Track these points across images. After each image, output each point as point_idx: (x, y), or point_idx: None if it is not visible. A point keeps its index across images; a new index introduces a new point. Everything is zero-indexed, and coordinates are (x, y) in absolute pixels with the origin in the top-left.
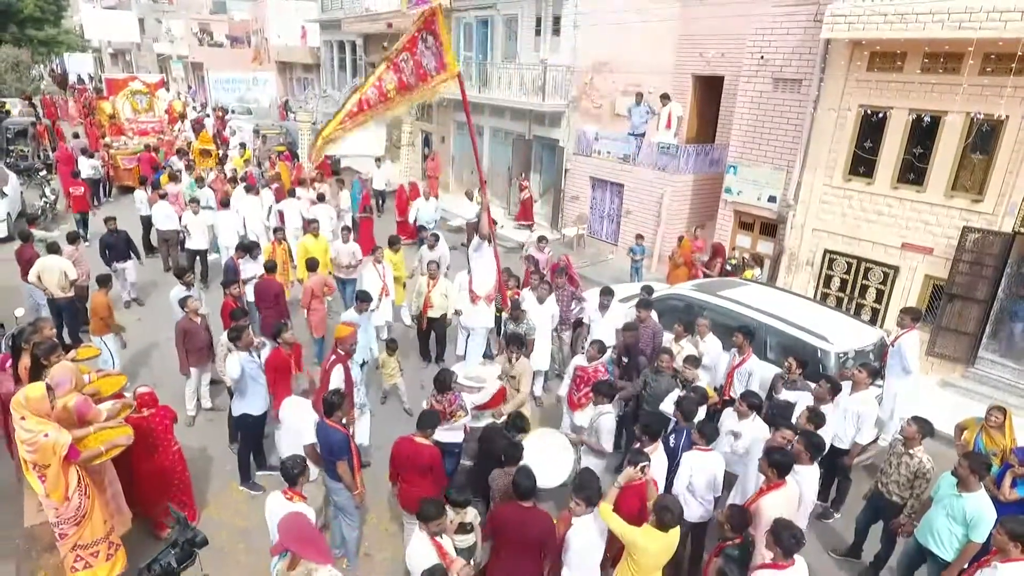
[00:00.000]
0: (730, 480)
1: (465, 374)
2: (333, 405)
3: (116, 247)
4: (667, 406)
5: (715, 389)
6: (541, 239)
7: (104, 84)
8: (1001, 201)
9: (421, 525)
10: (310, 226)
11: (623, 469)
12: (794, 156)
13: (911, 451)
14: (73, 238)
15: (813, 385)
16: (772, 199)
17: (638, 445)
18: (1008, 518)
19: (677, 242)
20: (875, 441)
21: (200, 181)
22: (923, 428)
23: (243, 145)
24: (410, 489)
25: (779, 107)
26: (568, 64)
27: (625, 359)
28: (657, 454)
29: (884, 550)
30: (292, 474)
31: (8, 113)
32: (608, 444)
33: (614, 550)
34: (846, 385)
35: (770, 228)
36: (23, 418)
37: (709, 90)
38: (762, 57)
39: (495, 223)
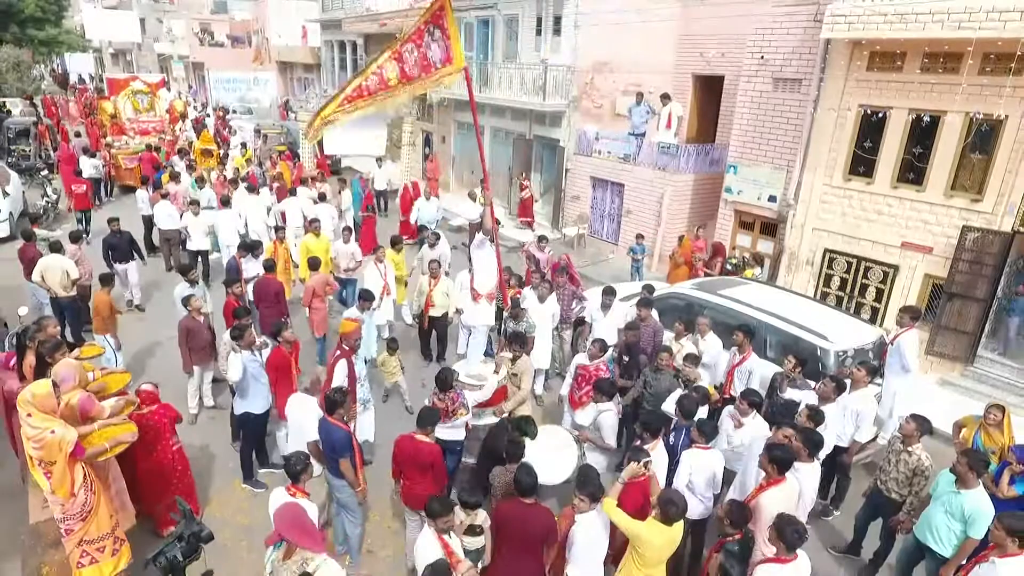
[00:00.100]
0: (729, 477)
1: (466, 372)
2: (335, 403)
3: (119, 248)
4: (669, 406)
5: (715, 387)
6: (542, 238)
7: (105, 84)
8: (1000, 200)
9: (429, 522)
10: (312, 225)
11: (624, 467)
12: (794, 156)
13: (910, 448)
14: (76, 237)
15: (814, 384)
16: (772, 199)
17: (638, 442)
18: (1005, 514)
19: (677, 241)
20: (874, 439)
21: (201, 181)
22: (921, 426)
23: (244, 145)
24: (412, 487)
25: (779, 107)
26: (569, 64)
27: (626, 358)
28: (657, 451)
29: (883, 547)
30: (295, 471)
31: (9, 113)
32: (611, 440)
33: (615, 547)
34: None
35: (770, 227)
36: (29, 415)
37: (709, 90)
38: (762, 57)
39: (498, 223)
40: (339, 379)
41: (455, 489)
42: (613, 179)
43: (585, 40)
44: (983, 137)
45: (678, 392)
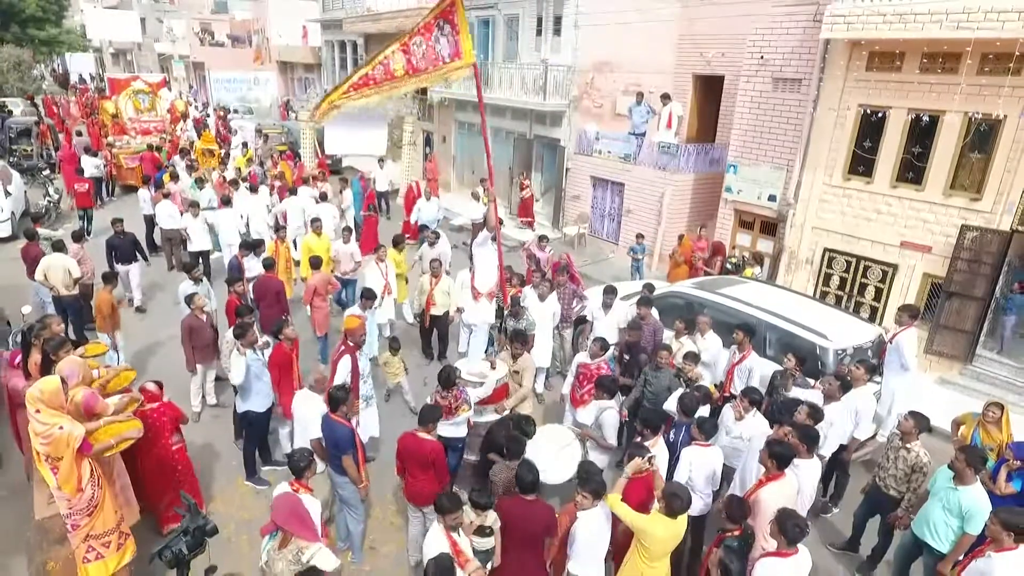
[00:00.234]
0: (728, 474)
1: (467, 370)
2: (337, 400)
3: (121, 248)
4: (671, 405)
5: (715, 386)
6: (542, 238)
7: (107, 83)
8: (999, 200)
9: (438, 518)
10: (313, 224)
11: (624, 464)
12: (794, 155)
13: (908, 445)
14: (78, 236)
15: (813, 382)
16: (772, 198)
17: (639, 439)
18: (1001, 509)
19: (677, 241)
20: (873, 437)
21: (200, 182)
22: (920, 423)
23: (245, 144)
24: (414, 483)
25: (779, 107)
26: (569, 64)
27: (627, 356)
28: (658, 447)
29: (881, 543)
30: (299, 467)
31: (10, 113)
32: (612, 438)
33: (615, 543)
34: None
35: (770, 227)
36: (38, 411)
37: (709, 90)
38: (762, 57)
39: (500, 221)
40: (343, 375)
41: (457, 487)
42: (613, 179)
43: (585, 40)
44: (982, 137)
45: (680, 391)
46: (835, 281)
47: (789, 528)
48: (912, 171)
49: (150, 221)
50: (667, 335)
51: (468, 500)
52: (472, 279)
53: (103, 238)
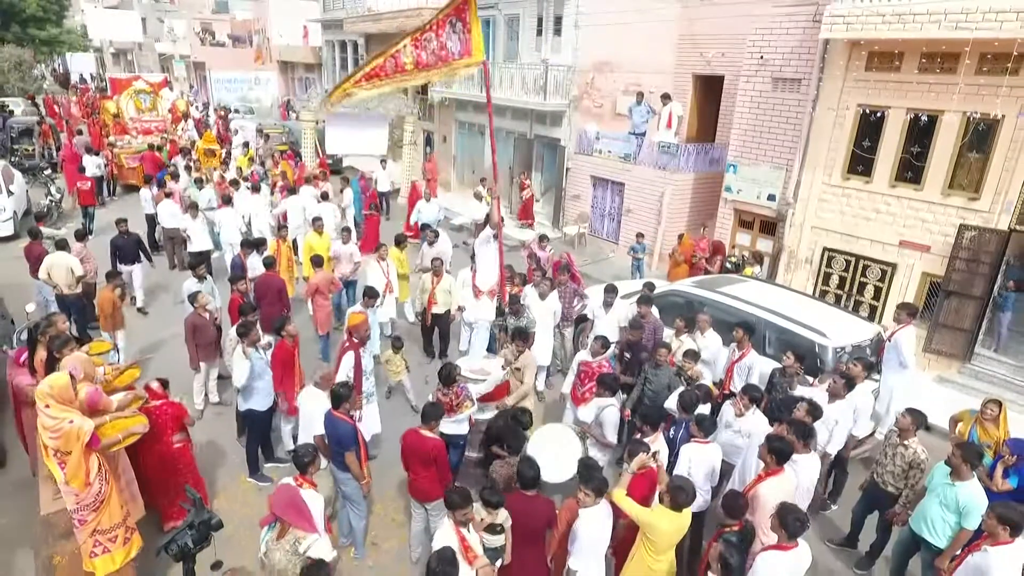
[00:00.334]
0: (728, 471)
1: (468, 367)
2: (340, 397)
3: (125, 249)
4: (671, 404)
5: (715, 383)
6: (543, 237)
7: (108, 83)
8: (997, 199)
9: (448, 513)
10: (315, 224)
11: (624, 460)
12: (793, 155)
13: (906, 442)
14: (81, 235)
15: (812, 379)
16: (771, 197)
17: (639, 435)
18: (997, 503)
19: (677, 240)
20: (872, 434)
21: (200, 182)
22: (917, 420)
23: (246, 144)
24: (417, 480)
25: (778, 106)
26: (569, 64)
27: (627, 355)
28: (658, 444)
29: (879, 539)
30: (303, 462)
31: (12, 113)
32: (612, 436)
33: (616, 538)
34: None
35: (769, 226)
36: (48, 406)
37: (709, 90)
38: (762, 57)
39: (502, 220)
40: (346, 370)
41: (459, 483)
42: (613, 178)
43: (586, 40)
44: (980, 136)
45: (680, 389)
46: (834, 280)
47: (790, 522)
48: (911, 171)
49: (151, 220)
50: (667, 333)
51: (480, 498)
52: (473, 277)
53: (104, 237)
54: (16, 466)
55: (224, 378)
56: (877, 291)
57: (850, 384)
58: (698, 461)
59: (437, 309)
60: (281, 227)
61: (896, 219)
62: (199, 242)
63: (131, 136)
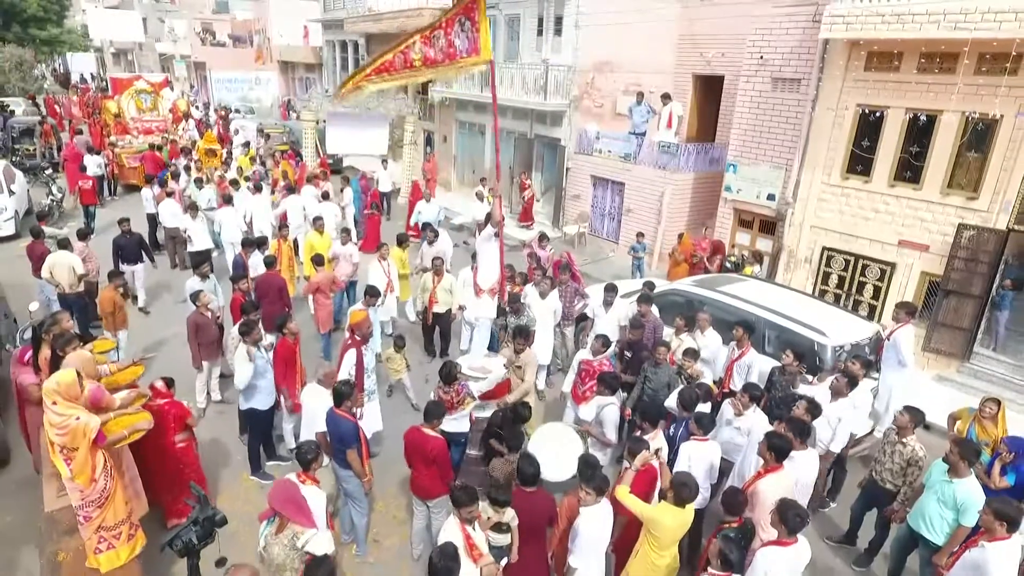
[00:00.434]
0: (727, 469)
1: (468, 364)
2: (342, 395)
3: (127, 248)
4: (671, 402)
5: (715, 382)
6: (543, 236)
7: (109, 83)
8: (995, 199)
9: (454, 511)
10: (316, 223)
11: (624, 458)
12: (793, 155)
13: (904, 440)
14: (83, 234)
15: (812, 378)
16: (771, 197)
17: (639, 432)
18: (994, 499)
19: (677, 239)
20: (871, 433)
21: (199, 182)
22: (915, 417)
23: (247, 144)
24: (419, 477)
25: (778, 106)
26: (570, 64)
27: (628, 354)
28: (657, 441)
29: (878, 536)
30: (306, 459)
31: (12, 113)
32: (612, 435)
33: (614, 537)
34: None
35: (769, 226)
36: (55, 402)
37: (709, 89)
38: (761, 57)
39: (503, 219)
40: (348, 368)
41: (460, 480)
42: (614, 178)
43: (586, 40)
44: (979, 136)
45: (680, 387)
46: (834, 279)
47: (790, 518)
48: (910, 170)
49: (153, 220)
50: (667, 332)
51: (487, 497)
52: (475, 275)
53: (105, 236)
54: (19, 464)
55: (226, 376)
56: (876, 290)
57: (853, 382)
58: (697, 459)
59: (438, 308)
60: (282, 226)
61: (895, 219)
62: (199, 242)
63: (132, 136)
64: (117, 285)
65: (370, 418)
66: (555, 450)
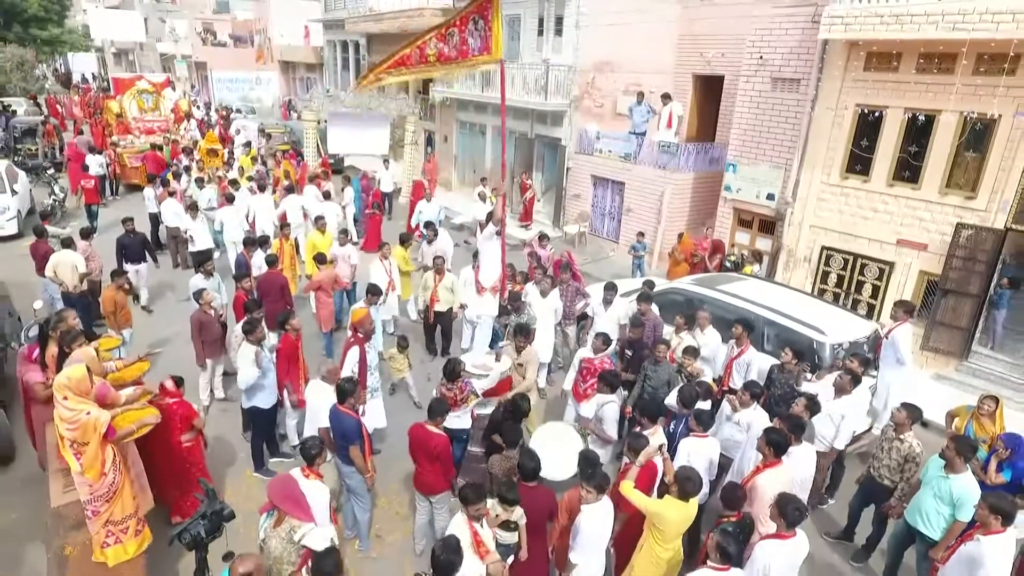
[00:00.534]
0: (727, 466)
1: (471, 362)
2: (345, 392)
3: (131, 248)
4: (671, 400)
5: (714, 380)
6: (543, 236)
7: (110, 83)
8: (993, 198)
9: (461, 508)
10: (317, 223)
11: (624, 454)
12: (792, 154)
13: (901, 436)
14: (87, 233)
15: (811, 375)
16: (771, 197)
17: (638, 429)
18: (989, 493)
19: (677, 239)
20: (869, 430)
21: (200, 182)
22: (912, 414)
23: (248, 144)
24: (422, 473)
25: (778, 106)
26: (570, 64)
27: (629, 352)
28: (657, 437)
29: (875, 532)
30: (311, 454)
31: (14, 113)
32: (612, 432)
33: (615, 533)
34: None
35: (768, 225)
36: (66, 397)
37: (709, 89)
38: (761, 57)
39: (505, 217)
40: (351, 366)
41: (461, 477)
42: (614, 178)
43: (586, 40)
44: (977, 136)
45: (680, 385)
46: (833, 279)
47: (789, 511)
48: (908, 170)
49: (155, 219)
50: (667, 331)
51: (496, 495)
52: (477, 273)
53: (107, 235)
54: (25, 461)
55: (229, 374)
56: (875, 289)
57: (855, 380)
58: (696, 454)
59: (439, 307)
60: (284, 225)
61: (894, 218)
62: (201, 241)
63: (134, 136)
64: (119, 284)
65: (373, 415)
66: (556, 449)
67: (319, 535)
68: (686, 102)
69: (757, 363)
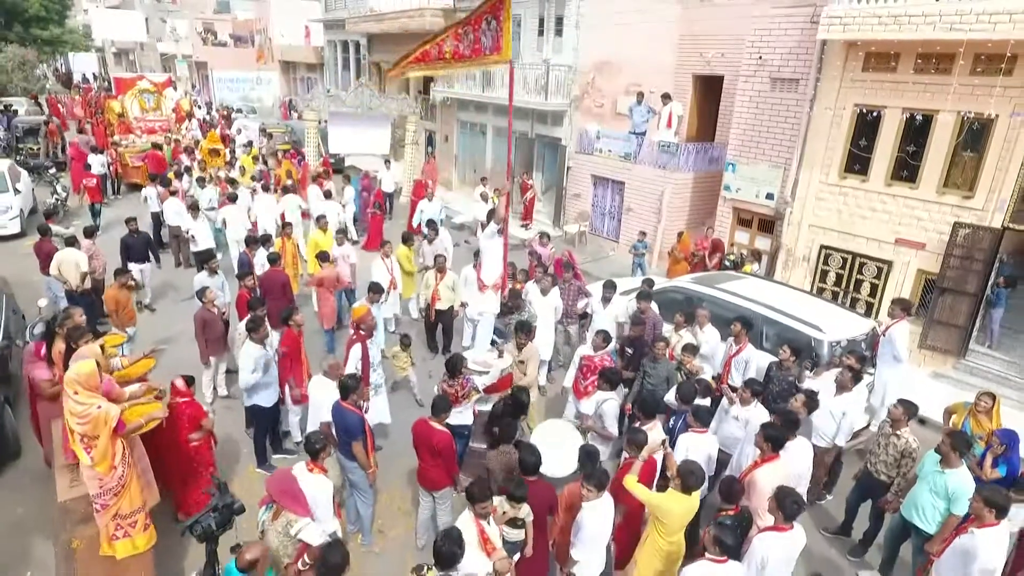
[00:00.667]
0: (726, 462)
1: (473, 359)
2: (348, 388)
3: (135, 248)
4: (670, 398)
5: (713, 377)
6: (543, 235)
7: (112, 83)
8: (991, 198)
9: (468, 505)
10: (319, 222)
11: (624, 450)
12: (791, 154)
13: (898, 432)
14: (90, 232)
15: (809, 373)
16: (770, 196)
17: (637, 424)
18: (983, 487)
19: (677, 238)
20: (867, 427)
21: (201, 182)
22: (909, 410)
23: (250, 143)
24: (426, 469)
25: (777, 106)
26: (570, 64)
27: (629, 350)
28: (655, 432)
29: (872, 527)
30: (315, 449)
31: (16, 113)
32: (613, 428)
33: (615, 526)
34: (835, 372)
35: (768, 224)
36: (76, 392)
37: (709, 89)
38: (760, 57)
39: (507, 217)
40: (354, 362)
41: (463, 473)
42: (614, 177)
43: (587, 40)
44: (974, 136)
45: (679, 382)
46: (831, 277)
47: (788, 504)
48: (906, 169)
49: (157, 219)
50: (667, 329)
51: (504, 492)
52: (478, 271)
53: (110, 234)
54: (31, 458)
55: (232, 372)
56: (873, 288)
57: (857, 377)
58: (695, 450)
59: (441, 305)
60: (286, 224)
61: (892, 217)
62: (203, 241)
63: (135, 135)
64: (123, 283)
65: (378, 411)
66: (556, 445)
67: (314, 530)
68: (686, 102)
69: (755, 360)
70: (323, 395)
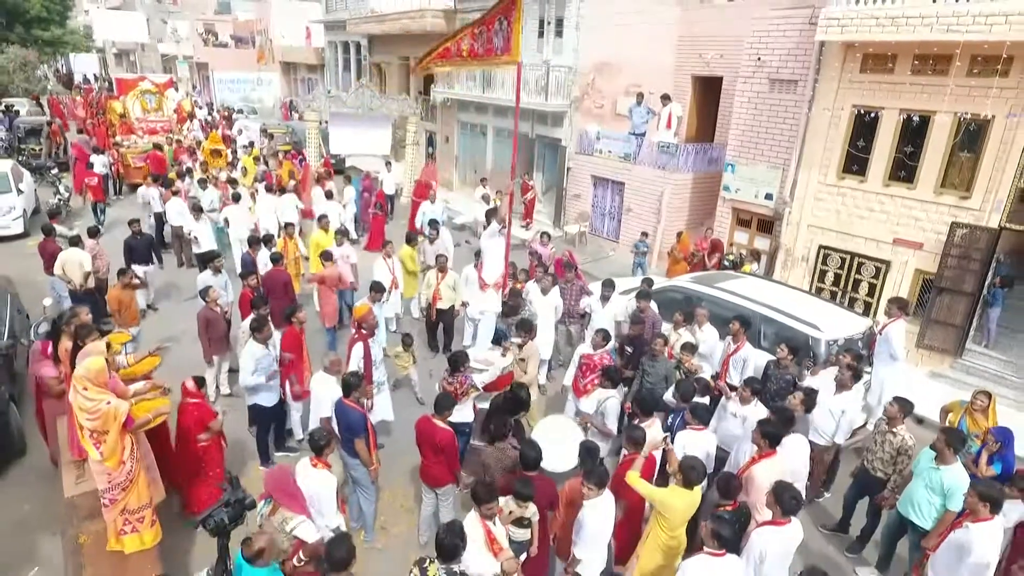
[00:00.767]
0: (724, 459)
1: (474, 357)
2: (350, 385)
3: (137, 249)
4: (670, 396)
5: (712, 376)
6: (544, 234)
7: (114, 84)
8: (988, 198)
9: (474, 505)
10: (320, 221)
11: (624, 447)
12: (790, 155)
13: (894, 430)
14: (93, 232)
15: (807, 371)
16: (769, 196)
17: (636, 421)
18: (978, 482)
19: (676, 238)
20: (864, 425)
21: (203, 183)
22: (904, 408)
23: (251, 143)
24: (428, 466)
25: (775, 107)
26: (570, 65)
27: (629, 349)
28: (654, 429)
29: (869, 524)
30: (319, 445)
31: (17, 113)
32: (613, 426)
33: (616, 521)
34: (834, 370)
35: (767, 225)
36: (85, 388)
37: (708, 90)
38: (759, 59)
39: (510, 218)
40: (356, 361)
41: (463, 471)
42: (614, 178)
43: (587, 41)
44: (971, 136)
45: (678, 380)
46: (830, 277)
47: (786, 499)
48: (904, 170)
49: (159, 219)
50: (666, 328)
51: (512, 492)
52: (480, 270)
53: (112, 234)
54: (36, 455)
55: (235, 371)
56: (871, 288)
57: (857, 375)
58: (692, 447)
59: (442, 304)
60: (288, 224)
61: (890, 217)
62: (205, 243)
63: (137, 136)
64: (126, 282)
65: (381, 408)
66: (557, 441)
67: (310, 527)
68: (685, 103)
69: (753, 359)
70: (324, 391)
